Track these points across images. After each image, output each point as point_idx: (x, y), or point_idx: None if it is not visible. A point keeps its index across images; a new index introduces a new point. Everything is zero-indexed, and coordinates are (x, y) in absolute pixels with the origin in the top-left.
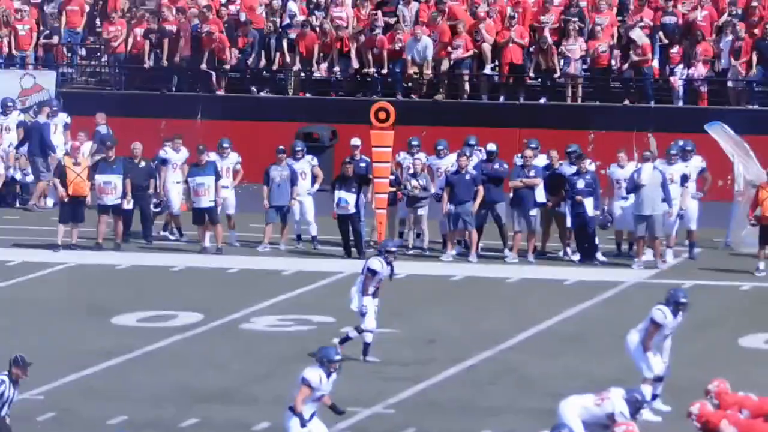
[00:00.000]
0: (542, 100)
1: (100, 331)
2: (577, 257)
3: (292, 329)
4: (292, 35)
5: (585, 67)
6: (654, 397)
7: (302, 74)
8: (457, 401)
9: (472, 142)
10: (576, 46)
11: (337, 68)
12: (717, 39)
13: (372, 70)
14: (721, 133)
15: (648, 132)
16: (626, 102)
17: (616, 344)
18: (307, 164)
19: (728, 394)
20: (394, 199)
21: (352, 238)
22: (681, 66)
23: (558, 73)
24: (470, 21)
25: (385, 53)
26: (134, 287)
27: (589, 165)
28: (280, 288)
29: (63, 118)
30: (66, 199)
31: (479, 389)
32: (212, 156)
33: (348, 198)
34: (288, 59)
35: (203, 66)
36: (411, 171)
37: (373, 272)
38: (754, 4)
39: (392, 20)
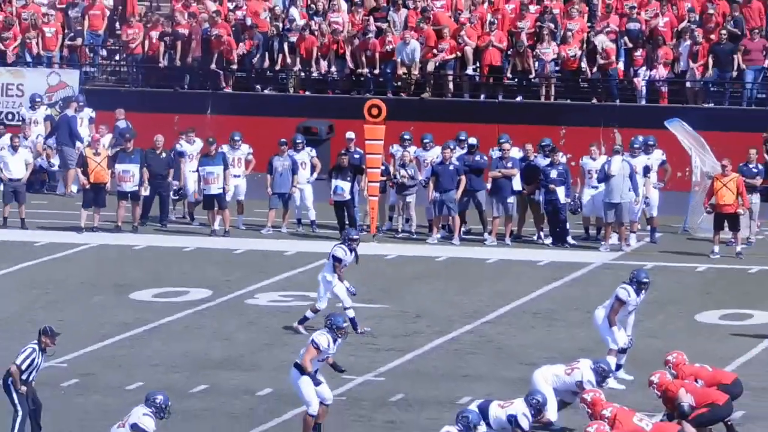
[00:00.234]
0: (518, 99)
1: (119, 305)
2: (549, 240)
3: (292, 304)
4: (293, 38)
5: (557, 68)
6: (618, 367)
7: (302, 74)
8: (441, 370)
9: (463, 137)
10: (549, 50)
11: (333, 68)
12: (676, 43)
13: (365, 70)
14: (679, 129)
15: (614, 127)
16: (594, 100)
17: (584, 319)
18: (306, 155)
19: (685, 365)
20: (385, 187)
21: (347, 222)
22: (644, 68)
23: (533, 74)
24: (453, 26)
25: (377, 55)
26: (150, 266)
27: (561, 157)
28: (281, 267)
29: (88, 112)
30: (87, 187)
31: (461, 359)
32: (224, 148)
33: (343, 186)
34: (289, 60)
35: (212, 66)
36: (400, 162)
37: (338, 260)
38: (711, 11)
39: (383, 25)
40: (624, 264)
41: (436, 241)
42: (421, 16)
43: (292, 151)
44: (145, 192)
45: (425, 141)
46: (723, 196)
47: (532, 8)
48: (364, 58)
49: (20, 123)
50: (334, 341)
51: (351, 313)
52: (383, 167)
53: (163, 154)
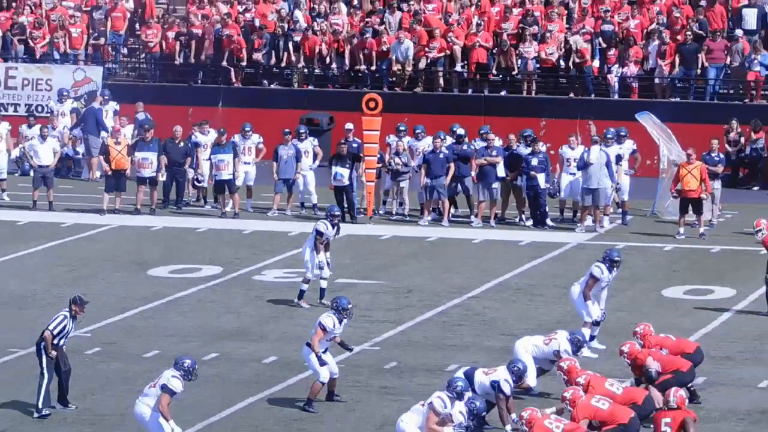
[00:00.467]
0: (503, 93)
1: (138, 280)
2: (530, 222)
3: (295, 280)
4: (297, 38)
5: (538, 66)
6: (592, 338)
7: (305, 70)
8: (430, 340)
9: (455, 128)
10: (531, 49)
11: (334, 65)
12: (646, 43)
13: (363, 67)
14: (648, 121)
15: (589, 120)
16: (571, 95)
17: (561, 294)
18: (309, 144)
19: (652, 336)
20: (380, 173)
21: (346, 205)
22: (616, 65)
23: (516, 71)
24: (443, 27)
25: (373, 53)
26: (166, 245)
27: (541, 146)
28: (286, 246)
29: (113, 105)
30: (109, 173)
31: (448, 330)
32: (235, 137)
33: (343, 172)
34: (293, 58)
35: (224, 63)
36: (395, 150)
37: (320, 233)
38: (677, 15)
39: (380, 26)
40: (598, 244)
41: (427, 223)
42: (414, 18)
43: (296, 141)
44: (162, 177)
45: (417, 131)
46: (688, 182)
47: (515, 11)
48: (361, 56)
49: (49, 115)
50: (340, 321)
51: (323, 284)
52: (379, 155)
53: (181, 144)
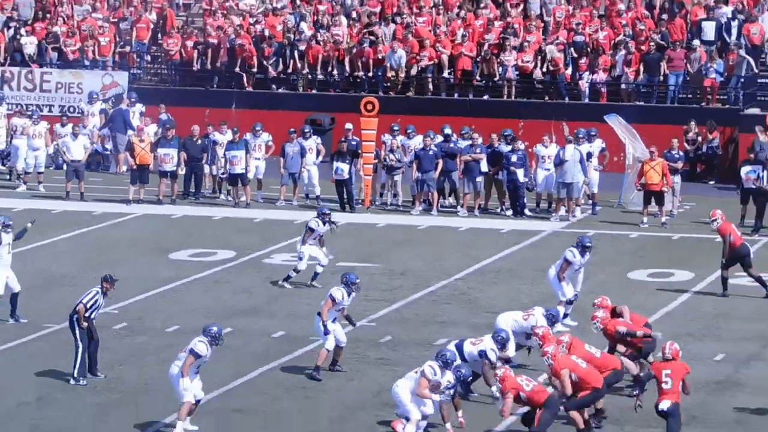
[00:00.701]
0: (485, 97)
1: (160, 263)
2: (510, 212)
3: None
4: (303, 47)
5: (517, 73)
6: (565, 315)
7: (309, 76)
8: (421, 317)
9: (445, 129)
10: (511, 57)
11: (335, 72)
12: (614, 53)
13: (361, 73)
14: (616, 122)
15: (562, 121)
16: (546, 99)
17: (538, 276)
18: (313, 142)
19: (607, 308)
20: (376, 168)
21: (346, 196)
22: (587, 73)
23: (497, 77)
24: (432, 38)
25: (370, 61)
26: (186, 231)
27: (520, 144)
28: (292, 233)
29: (139, 107)
30: (134, 167)
31: (438, 308)
32: (247, 136)
33: (343, 167)
34: (299, 65)
35: (237, 69)
36: (389, 148)
37: (311, 230)
38: (641, 27)
39: (376, 37)
40: (571, 232)
41: (418, 212)
42: (406, 29)
43: (301, 139)
44: (181, 171)
45: (409, 131)
46: (651, 176)
47: (497, 23)
48: (360, 64)
49: (80, 115)
50: (349, 295)
51: (319, 269)
52: (375, 152)
53: (199, 141)
